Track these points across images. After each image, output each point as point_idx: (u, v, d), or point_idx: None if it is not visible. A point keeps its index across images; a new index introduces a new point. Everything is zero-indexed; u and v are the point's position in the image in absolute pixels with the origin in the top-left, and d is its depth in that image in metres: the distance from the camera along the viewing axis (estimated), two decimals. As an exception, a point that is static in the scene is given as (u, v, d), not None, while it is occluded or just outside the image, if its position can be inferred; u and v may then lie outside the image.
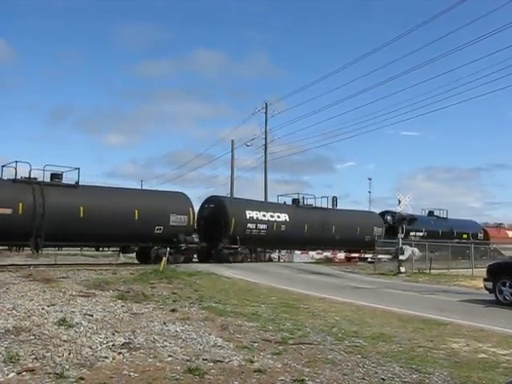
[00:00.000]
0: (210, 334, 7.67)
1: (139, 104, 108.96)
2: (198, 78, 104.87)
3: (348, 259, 32.06)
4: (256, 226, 27.10)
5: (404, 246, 25.05)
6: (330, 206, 31.67)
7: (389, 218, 28.31)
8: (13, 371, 5.36)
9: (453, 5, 44.65)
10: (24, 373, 5.34)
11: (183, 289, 13.71)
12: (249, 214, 27.11)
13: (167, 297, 11.89)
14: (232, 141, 41.52)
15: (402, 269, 23.75)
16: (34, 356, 5.97)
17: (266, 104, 40.39)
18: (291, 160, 56.90)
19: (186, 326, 8.30)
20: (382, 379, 5.69)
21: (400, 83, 44.19)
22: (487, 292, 13.47)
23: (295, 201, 30.44)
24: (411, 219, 26.57)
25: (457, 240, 33.11)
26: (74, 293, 11.89)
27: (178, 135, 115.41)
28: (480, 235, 41.38)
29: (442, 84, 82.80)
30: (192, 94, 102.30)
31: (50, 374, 5.34)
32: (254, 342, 7.27)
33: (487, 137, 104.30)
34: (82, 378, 5.21)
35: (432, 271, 24.08)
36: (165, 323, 8.42)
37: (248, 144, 40.84)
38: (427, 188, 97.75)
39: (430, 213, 40.13)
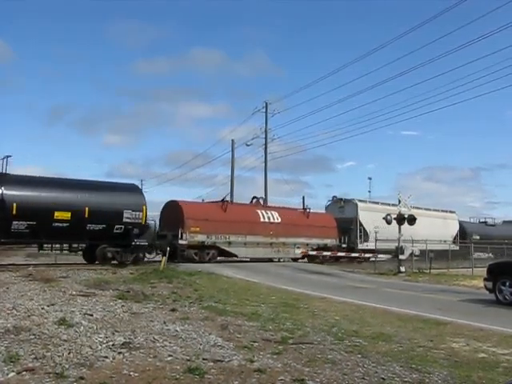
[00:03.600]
0: (209, 334, 7.67)
1: (137, 103, 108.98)
2: (197, 77, 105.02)
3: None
4: None
5: (404, 246, 25.02)
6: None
7: (389, 217, 28.18)
8: (13, 371, 5.36)
9: (453, 5, 44.69)
10: (24, 372, 5.34)
11: (183, 288, 13.70)
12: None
13: (167, 296, 11.89)
14: (232, 140, 41.56)
15: (402, 268, 23.77)
16: (33, 356, 5.97)
17: (266, 103, 40.37)
18: (291, 160, 57.00)
19: (186, 325, 8.30)
20: (382, 379, 5.69)
21: (400, 83, 44.31)
22: (487, 292, 13.48)
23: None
24: (412, 218, 26.47)
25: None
26: (74, 292, 11.89)
27: (177, 135, 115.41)
28: (132, 215, 21.36)
29: (442, 84, 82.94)
30: (190, 93, 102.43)
31: (50, 373, 5.33)
32: (254, 342, 7.26)
33: (487, 137, 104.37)
34: (81, 378, 5.21)
35: (432, 271, 24.11)
36: (165, 323, 8.42)
37: (248, 144, 40.83)
38: (427, 188, 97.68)
39: None
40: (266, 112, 40.20)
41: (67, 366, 5.58)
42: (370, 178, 56.61)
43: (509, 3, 27.32)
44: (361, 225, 32.29)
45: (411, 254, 25.53)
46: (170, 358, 6.15)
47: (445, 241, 35.81)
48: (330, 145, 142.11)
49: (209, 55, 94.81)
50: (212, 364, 5.97)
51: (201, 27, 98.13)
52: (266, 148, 40.03)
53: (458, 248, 34.79)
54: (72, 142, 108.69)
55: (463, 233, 40.12)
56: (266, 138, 40.01)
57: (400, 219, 25.36)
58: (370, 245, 30.74)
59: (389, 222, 25.61)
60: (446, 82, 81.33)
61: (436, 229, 35.42)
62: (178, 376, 5.43)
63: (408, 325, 9.31)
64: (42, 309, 9.26)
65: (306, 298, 12.73)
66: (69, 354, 6.11)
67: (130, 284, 14.21)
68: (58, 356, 5.98)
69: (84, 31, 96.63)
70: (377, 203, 34.93)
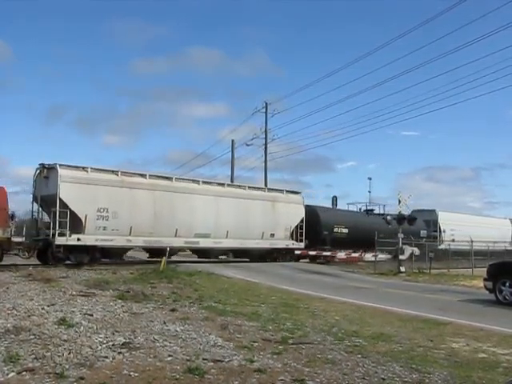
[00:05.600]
0: (209, 334, 7.67)
1: (136, 103, 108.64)
2: (196, 77, 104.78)
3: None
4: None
5: (404, 246, 25.03)
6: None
7: (389, 217, 28.08)
8: (13, 371, 5.36)
9: (453, 5, 44.72)
10: (24, 372, 5.34)
11: (183, 288, 13.70)
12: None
13: (167, 296, 11.89)
14: (232, 141, 41.47)
15: (402, 268, 23.77)
16: (33, 356, 5.97)
17: (266, 104, 40.34)
18: (291, 160, 56.87)
19: (186, 325, 8.30)
20: (382, 379, 5.69)
21: (400, 83, 44.32)
22: (487, 292, 13.49)
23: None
24: (412, 219, 26.45)
25: None
26: (74, 292, 11.88)
27: (176, 135, 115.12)
28: None
29: (442, 84, 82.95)
30: (190, 93, 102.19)
31: (50, 373, 5.33)
32: (254, 342, 7.26)
33: (487, 137, 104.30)
34: (82, 378, 5.21)
35: (432, 271, 24.12)
36: (165, 323, 8.42)
37: (248, 144, 40.78)
38: (427, 188, 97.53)
39: None
40: (265, 112, 40.20)
41: (67, 366, 5.58)
42: (369, 178, 56.26)
43: (509, 3, 27.37)
44: (65, 206, 19.61)
45: (411, 254, 25.52)
46: (170, 358, 6.16)
47: (272, 234, 25.45)
48: (330, 145, 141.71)
49: (208, 55, 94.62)
50: (212, 364, 5.97)
51: (200, 26, 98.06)
52: (265, 148, 40.05)
53: (301, 245, 26.60)
54: (71, 141, 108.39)
55: (317, 224, 28.43)
56: (265, 138, 40.02)
57: (400, 219, 25.33)
58: (88, 239, 19.94)
59: (389, 223, 25.55)
60: (446, 81, 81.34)
61: (249, 217, 24.50)
62: (178, 376, 5.43)
63: (408, 325, 9.31)
64: (42, 309, 9.26)
65: (306, 298, 12.73)
66: (69, 354, 6.11)
67: (129, 284, 14.20)
68: (58, 356, 5.99)
69: (83, 31, 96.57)
70: (112, 172, 21.71)
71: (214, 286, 14.59)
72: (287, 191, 27.89)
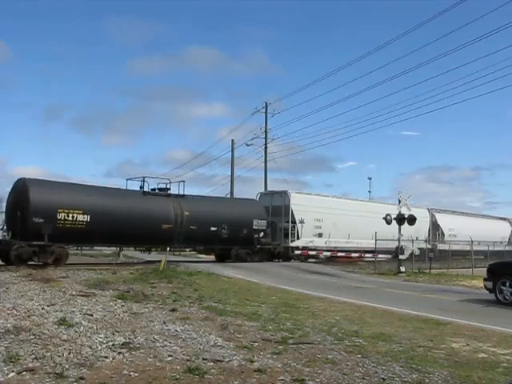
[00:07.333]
0: (209, 334, 7.67)
1: (135, 103, 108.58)
2: (195, 76, 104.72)
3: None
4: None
5: (404, 245, 25.00)
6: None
7: (388, 217, 27.97)
8: (13, 371, 5.36)
9: (453, 5, 44.71)
10: (24, 372, 5.33)
11: (183, 288, 13.71)
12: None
13: (167, 296, 11.89)
14: (232, 140, 41.50)
15: (402, 268, 23.75)
16: (33, 356, 5.96)
17: (266, 104, 40.40)
18: (291, 160, 56.88)
19: (186, 325, 8.31)
20: (382, 379, 5.68)
21: (400, 83, 44.29)
22: (487, 292, 13.49)
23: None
24: (412, 218, 26.37)
25: None
26: (74, 292, 11.89)
27: (176, 134, 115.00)
28: None
29: (442, 84, 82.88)
30: (189, 93, 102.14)
31: (50, 373, 5.33)
32: (254, 342, 7.26)
33: (487, 137, 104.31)
34: (82, 378, 5.21)
35: (432, 271, 24.13)
36: (165, 323, 8.42)
37: (248, 144, 40.80)
38: (427, 188, 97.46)
39: None
40: (265, 112, 40.27)
41: (67, 366, 5.58)
42: (369, 178, 56.65)
43: (509, 3, 27.37)
44: None
45: (411, 254, 25.51)
46: (170, 358, 6.16)
47: None
48: (330, 145, 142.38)
49: (207, 54, 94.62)
50: (212, 364, 5.97)
51: (199, 26, 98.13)
52: (265, 148, 40.09)
53: None
54: (71, 141, 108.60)
55: (22, 207, 18.29)
56: (265, 138, 40.07)
57: (400, 219, 25.30)
58: None
59: (389, 222, 25.46)
60: (446, 81, 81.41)
61: None
62: (178, 376, 5.43)
63: (408, 325, 9.30)
64: (42, 309, 9.26)
65: (306, 298, 12.73)
66: (69, 354, 6.11)
67: (129, 284, 14.21)
68: (58, 356, 5.98)
69: (81, 30, 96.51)
70: None
71: (214, 286, 14.59)
72: None
